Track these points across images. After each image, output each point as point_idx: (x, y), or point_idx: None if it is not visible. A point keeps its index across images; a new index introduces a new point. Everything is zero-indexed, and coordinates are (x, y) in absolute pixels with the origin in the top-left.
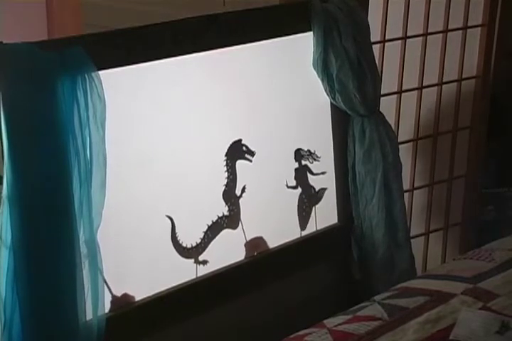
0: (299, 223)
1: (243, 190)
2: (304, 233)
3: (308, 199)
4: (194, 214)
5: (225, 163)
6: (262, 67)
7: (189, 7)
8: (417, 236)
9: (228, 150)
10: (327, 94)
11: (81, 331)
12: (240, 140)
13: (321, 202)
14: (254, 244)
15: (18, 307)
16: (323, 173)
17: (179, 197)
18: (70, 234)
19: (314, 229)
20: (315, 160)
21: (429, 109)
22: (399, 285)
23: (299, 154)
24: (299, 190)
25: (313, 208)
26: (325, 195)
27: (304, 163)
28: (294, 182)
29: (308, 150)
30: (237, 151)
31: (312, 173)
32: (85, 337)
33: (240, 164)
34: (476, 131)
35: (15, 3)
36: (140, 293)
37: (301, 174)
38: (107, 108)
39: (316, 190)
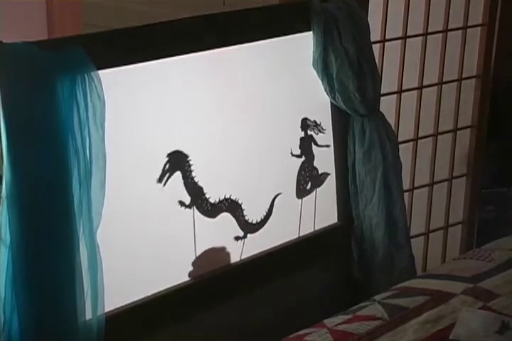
0: (296, 192)
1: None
2: (302, 227)
3: (311, 171)
4: None
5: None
6: (262, 67)
7: (189, 7)
8: (417, 236)
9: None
10: (327, 94)
11: (80, 331)
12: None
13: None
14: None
15: (18, 306)
16: (327, 146)
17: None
18: (69, 234)
19: (312, 230)
20: (320, 131)
21: (429, 108)
22: (399, 285)
23: (305, 124)
24: (303, 158)
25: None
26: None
27: (309, 133)
28: (298, 151)
29: (315, 121)
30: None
31: (317, 144)
32: (85, 337)
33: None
34: (476, 131)
35: (15, 3)
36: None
37: (307, 143)
38: (107, 108)
39: (320, 172)
